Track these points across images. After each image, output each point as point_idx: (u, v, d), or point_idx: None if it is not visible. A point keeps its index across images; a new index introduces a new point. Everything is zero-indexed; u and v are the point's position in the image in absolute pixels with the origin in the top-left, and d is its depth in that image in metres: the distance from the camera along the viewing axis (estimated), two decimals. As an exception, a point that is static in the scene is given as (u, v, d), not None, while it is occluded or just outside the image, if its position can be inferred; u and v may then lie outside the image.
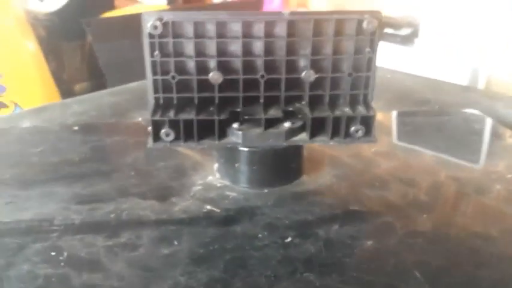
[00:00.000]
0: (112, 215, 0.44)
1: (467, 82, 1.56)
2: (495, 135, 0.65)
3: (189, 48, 0.42)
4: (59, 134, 0.63)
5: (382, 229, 0.43)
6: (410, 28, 1.82)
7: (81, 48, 1.86)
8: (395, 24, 1.85)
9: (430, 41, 1.69)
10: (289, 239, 0.40)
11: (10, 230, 0.42)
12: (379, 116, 0.69)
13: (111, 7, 1.78)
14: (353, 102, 0.44)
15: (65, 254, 0.38)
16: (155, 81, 0.43)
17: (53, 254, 0.39)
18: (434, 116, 0.72)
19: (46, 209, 0.45)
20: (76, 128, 0.65)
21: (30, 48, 1.57)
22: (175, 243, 0.40)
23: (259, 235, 0.41)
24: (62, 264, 0.37)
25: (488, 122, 0.67)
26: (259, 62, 0.43)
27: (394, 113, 0.72)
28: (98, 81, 1.69)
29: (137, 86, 0.85)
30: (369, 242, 0.41)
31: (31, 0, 1.69)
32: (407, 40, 1.80)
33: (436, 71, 1.50)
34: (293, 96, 0.44)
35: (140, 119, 0.69)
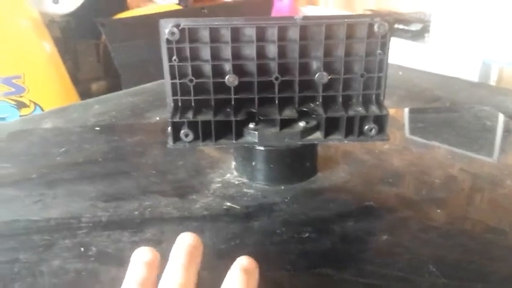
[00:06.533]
0: (136, 212, 0.46)
1: (479, 77, 1.56)
2: (507, 130, 0.66)
3: (205, 52, 0.44)
4: (82, 135, 0.65)
5: (396, 224, 0.44)
6: (421, 24, 1.83)
7: (96, 47, 1.89)
8: (406, 19, 1.85)
9: (440, 36, 1.69)
10: (306, 234, 0.42)
11: (40, 228, 0.44)
12: (392, 113, 0.71)
13: (124, 8, 1.80)
14: (366, 102, 0.45)
15: (94, 249, 0.41)
16: (173, 85, 0.45)
17: (82, 249, 0.41)
18: (446, 113, 0.73)
19: (73, 207, 0.47)
20: (98, 128, 0.68)
21: (47, 49, 1.60)
22: (198, 238, 0.42)
23: (278, 231, 0.43)
24: (92, 259, 0.40)
25: (500, 118, 0.68)
26: (273, 65, 0.44)
27: (406, 110, 0.73)
28: (114, 79, 1.72)
29: (153, 86, 0.87)
30: (384, 237, 0.42)
31: (46, 3, 1.72)
32: (418, 35, 1.81)
33: (447, 66, 1.51)
34: (307, 96, 0.46)
35: (158, 118, 0.71)
